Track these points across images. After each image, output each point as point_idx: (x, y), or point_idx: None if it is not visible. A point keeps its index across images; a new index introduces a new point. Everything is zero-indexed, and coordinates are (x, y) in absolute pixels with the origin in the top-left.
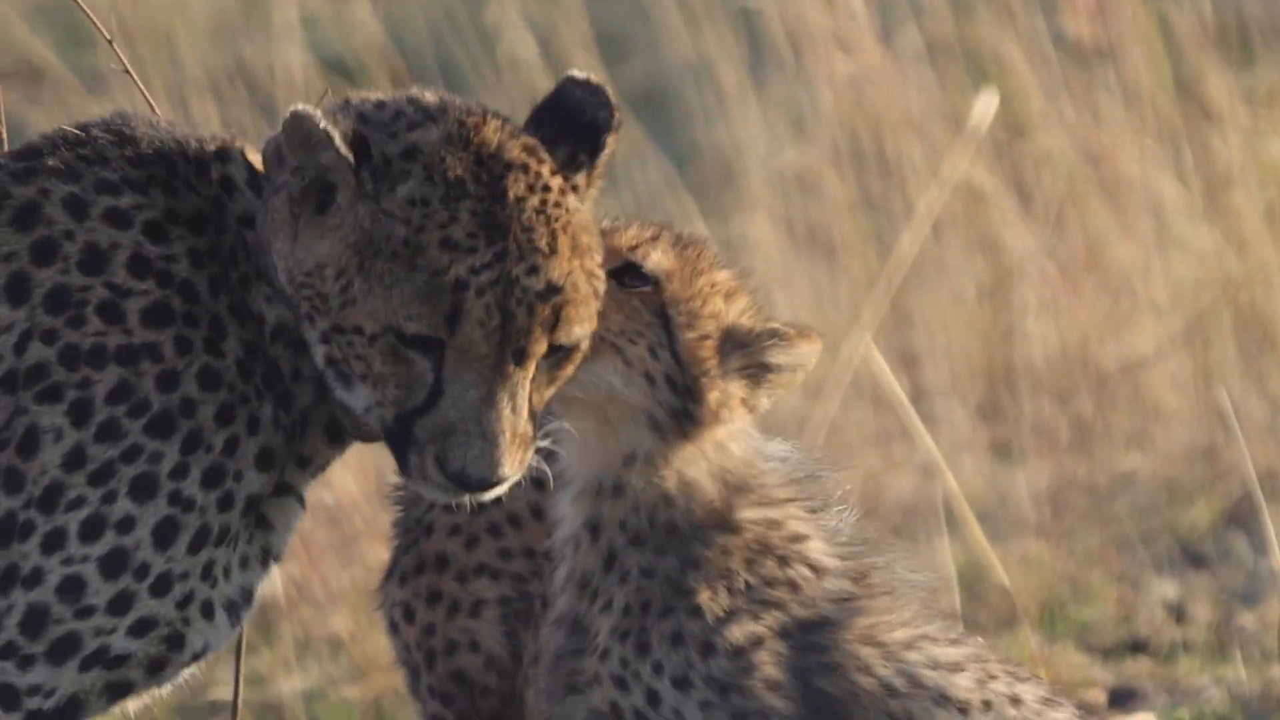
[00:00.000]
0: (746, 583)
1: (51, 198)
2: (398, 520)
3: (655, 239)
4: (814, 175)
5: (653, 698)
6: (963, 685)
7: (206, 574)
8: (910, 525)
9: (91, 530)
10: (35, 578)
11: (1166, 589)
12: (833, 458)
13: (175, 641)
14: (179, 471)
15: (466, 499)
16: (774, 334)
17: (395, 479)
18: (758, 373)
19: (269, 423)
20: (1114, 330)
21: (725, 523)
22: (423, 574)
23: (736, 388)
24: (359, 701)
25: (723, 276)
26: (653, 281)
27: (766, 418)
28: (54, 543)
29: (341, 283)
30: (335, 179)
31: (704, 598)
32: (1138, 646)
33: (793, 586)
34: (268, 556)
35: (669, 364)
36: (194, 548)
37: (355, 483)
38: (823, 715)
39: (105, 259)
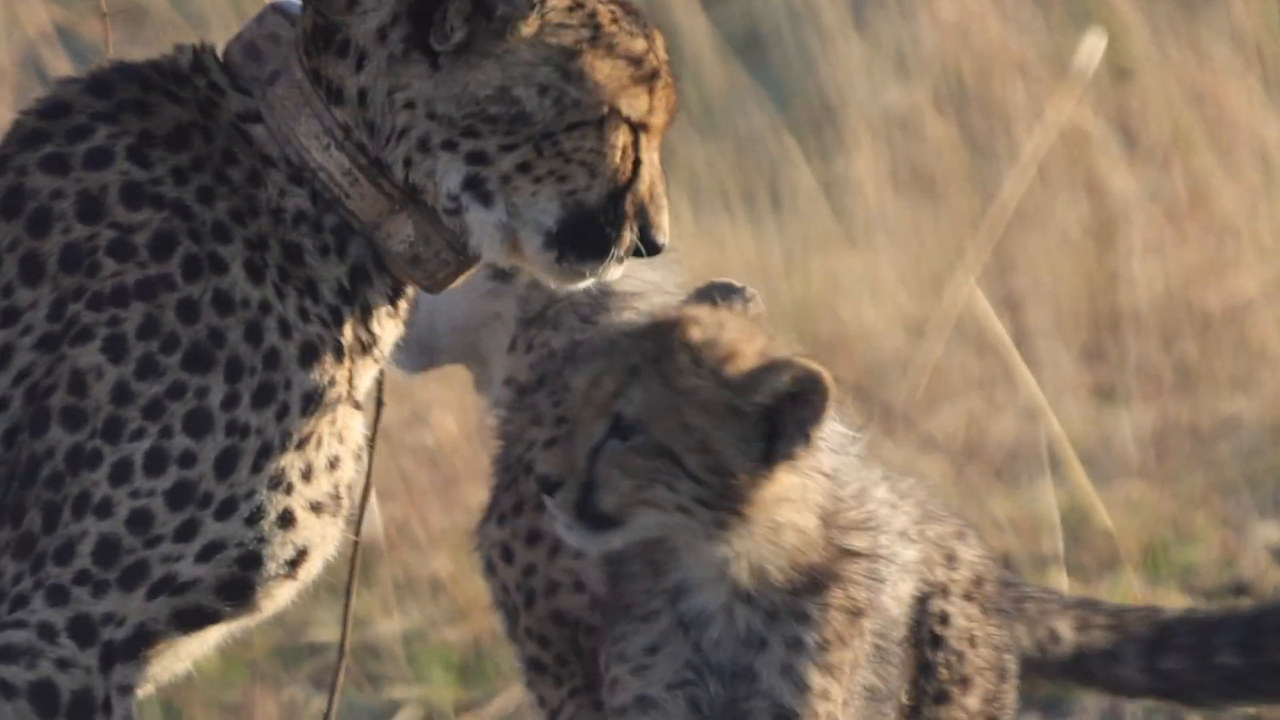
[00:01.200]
0: (868, 599)
1: (29, 170)
2: (497, 458)
3: (635, 372)
4: (917, 116)
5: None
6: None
7: (276, 484)
8: (1013, 468)
9: (156, 464)
10: (106, 508)
11: (1270, 532)
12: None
13: (250, 560)
14: (230, 401)
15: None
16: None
17: (494, 419)
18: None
19: (297, 318)
20: (1218, 273)
21: (848, 552)
22: (521, 514)
23: (779, 470)
24: (458, 643)
25: (719, 372)
26: (637, 429)
27: (871, 360)
28: (122, 474)
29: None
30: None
31: (868, 613)
32: (1240, 590)
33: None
34: (358, 457)
35: (692, 489)
36: (257, 467)
37: (455, 423)
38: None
39: (101, 201)
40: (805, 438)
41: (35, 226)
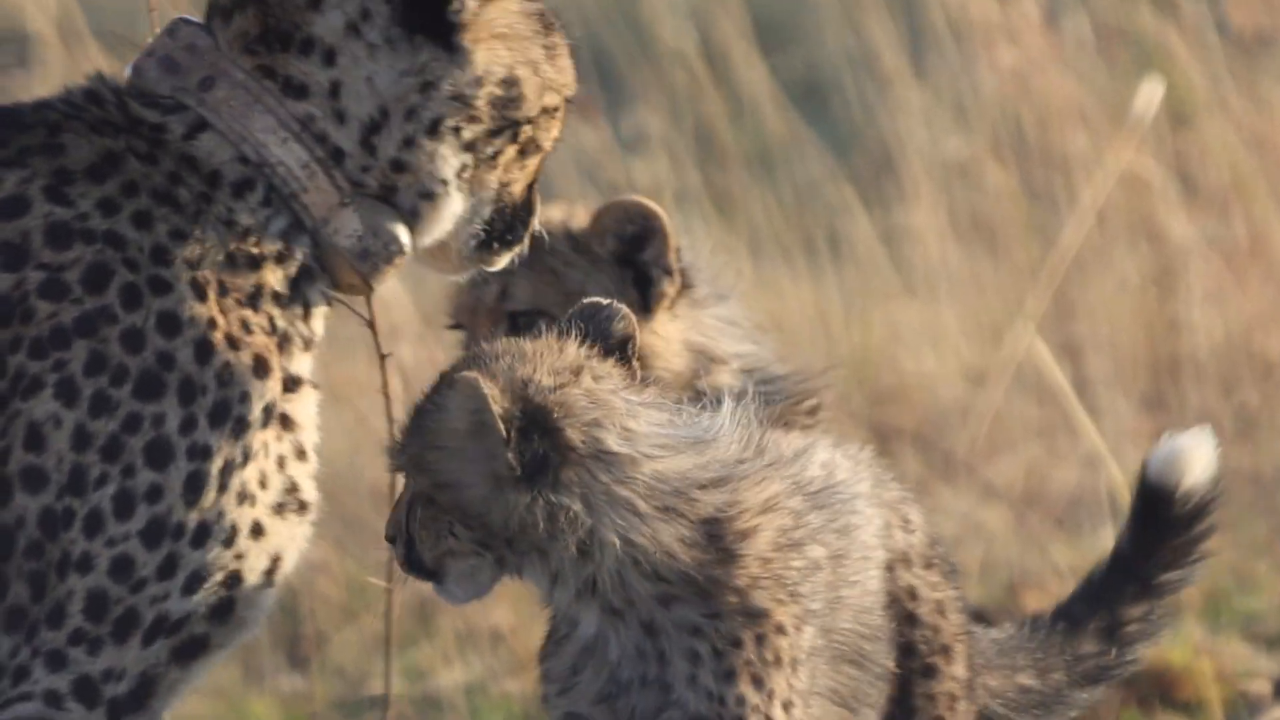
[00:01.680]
0: (795, 582)
1: None
2: None
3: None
4: (976, 164)
5: None
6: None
7: (241, 499)
8: (1074, 516)
9: (124, 507)
10: (86, 563)
11: None
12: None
13: (234, 579)
14: (187, 425)
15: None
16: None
17: None
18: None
19: (242, 331)
20: (1279, 320)
21: (732, 540)
22: None
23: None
24: (519, 695)
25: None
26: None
27: (932, 409)
28: (94, 525)
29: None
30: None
31: (780, 613)
32: None
33: (815, 566)
34: (303, 452)
35: (467, 534)
36: (223, 486)
37: None
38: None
39: (23, 248)
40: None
41: None
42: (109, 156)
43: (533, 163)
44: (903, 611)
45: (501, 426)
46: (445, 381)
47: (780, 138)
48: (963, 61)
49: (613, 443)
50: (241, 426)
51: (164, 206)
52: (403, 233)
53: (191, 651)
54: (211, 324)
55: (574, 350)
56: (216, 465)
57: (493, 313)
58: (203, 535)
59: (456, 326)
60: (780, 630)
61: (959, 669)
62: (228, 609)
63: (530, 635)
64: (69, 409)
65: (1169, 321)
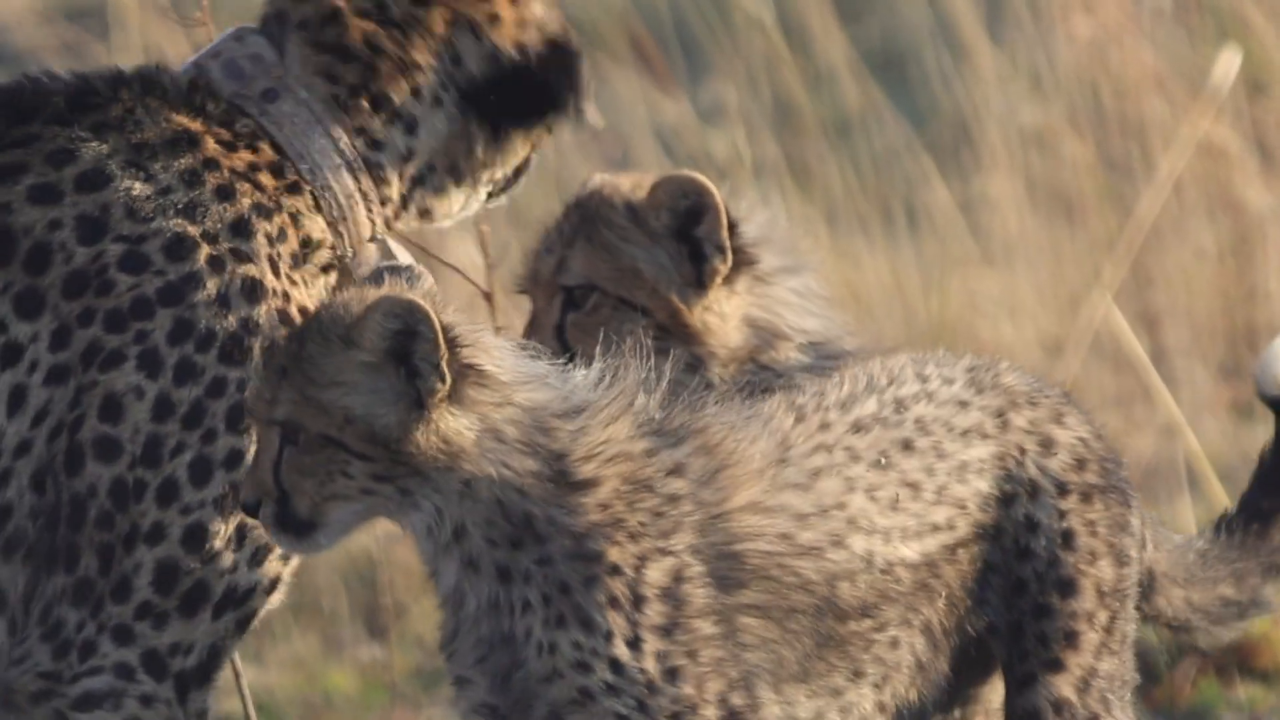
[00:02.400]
0: (640, 522)
1: (14, 208)
2: None
3: (282, 373)
4: (1053, 134)
5: (615, 666)
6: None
7: None
8: (1152, 485)
9: (200, 474)
10: (158, 532)
11: None
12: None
13: (287, 555)
14: None
15: None
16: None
17: None
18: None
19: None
20: None
21: (576, 486)
22: None
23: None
24: None
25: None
26: (297, 429)
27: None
28: (169, 494)
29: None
30: None
31: (615, 554)
32: None
33: (673, 500)
34: None
35: (364, 468)
36: None
37: None
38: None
39: (101, 221)
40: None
41: (32, 263)
42: (188, 134)
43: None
44: (1013, 546)
45: (441, 337)
46: (329, 319)
47: (858, 108)
48: (1040, 31)
49: (492, 367)
50: None
51: (245, 183)
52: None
53: (248, 621)
54: (287, 298)
55: (432, 287)
56: None
57: (548, 286)
58: None
59: (524, 292)
60: (615, 571)
61: (1086, 603)
62: (276, 583)
63: None
64: (152, 379)
65: (1246, 290)
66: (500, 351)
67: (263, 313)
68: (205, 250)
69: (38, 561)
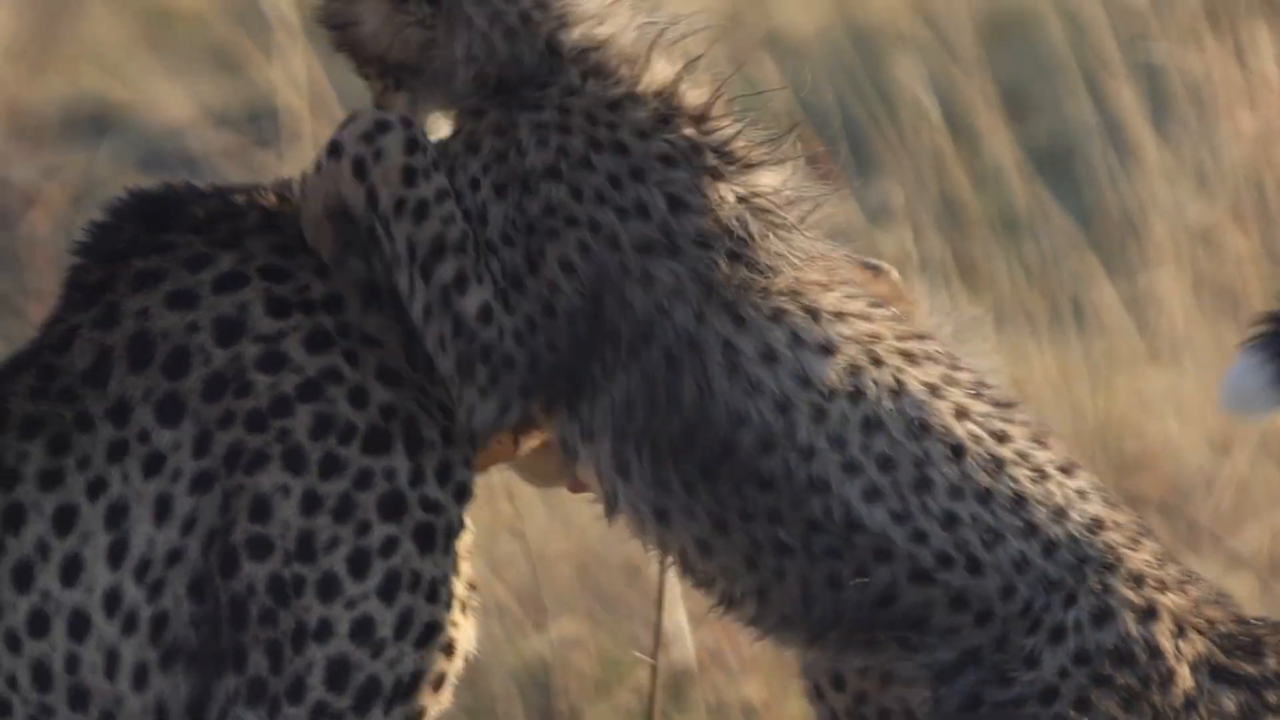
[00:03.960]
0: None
1: (152, 313)
2: None
3: None
4: (1219, 230)
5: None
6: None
7: (456, 565)
8: None
9: (359, 566)
10: (326, 629)
11: None
12: None
13: (449, 648)
14: (416, 478)
15: None
16: None
17: None
18: None
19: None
20: None
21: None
22: None
23: None
24: None
25: None
26: None
27: (1176, 477)
28: (330, 589)
29: None
30: None
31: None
32: None
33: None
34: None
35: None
36: (447, 547)
37: None
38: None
39: (239, 321)
40: None
41: (172, 369)
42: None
43: None
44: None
45: None
46: None
47: (1025, 205)
48: (1205, 127)
49: None
50: (462, 492)
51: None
52: None
53: None
54: (422, 390)
55: None
56: (442, 523)
57: None
58: (433, 590)
59: None
60: None
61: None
62: (442, 680)
63: (784, 709)
64: (297, 477)
65: None
66: None
67: (401, 398)
68: (341, 344)
69: (205, 668)
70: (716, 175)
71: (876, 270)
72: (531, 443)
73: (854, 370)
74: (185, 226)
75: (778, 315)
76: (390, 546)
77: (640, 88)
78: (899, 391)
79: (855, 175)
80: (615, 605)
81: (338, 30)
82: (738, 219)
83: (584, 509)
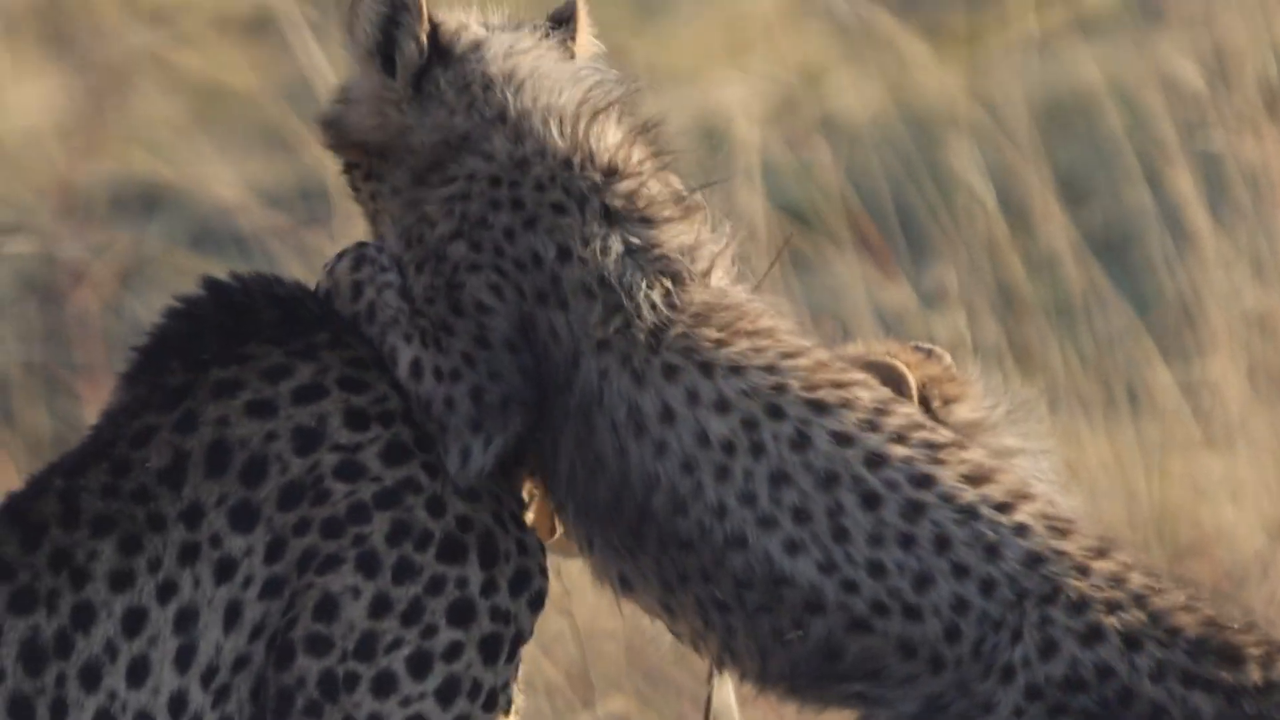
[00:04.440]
0: None
1: (231, 421)
2: None
3: None
4: (1275, 317)
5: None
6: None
7: (514, 677)
8: None
9: (420, 666)
10: None
11: None
12: None
13: None
14: (489, 588)
15: None
16: None
17: None
18: None
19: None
20: None
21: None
22: None
23: None
24: None
25: None
26: None
27: (1232, 564)
28: (385, 686)
29: None
30: None
31: None
32: None
33: None
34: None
35: None
36: (510, 655)
37: None
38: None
39: (317, 432)
40: None
41: (248, 476)
42: None
43: None
44: None
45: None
46: None
47: (1080, 291)
48: (1261, 215)
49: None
50: (537, 601)
51: None
52: None
53: None
54: (499, 500)
55: None
56: (510, 633)
57: None
58: (492, 701)
59: None
60: None
61: None
62: None
63: None
64: (370, 580)
65: None
66: None
67: (478, 510)
68: (420, 456)
69: None
70: (611, 221)
71: (929, 354)
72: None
73: (750, 425)
74: (262, 336)
75: (671, 372)
76: (454, 652)
77: (556, 144)
78: (803, 444)
79: (910, 260)
80: (664, 683)
81: (331, 127)
82: (617, 270)
83: None
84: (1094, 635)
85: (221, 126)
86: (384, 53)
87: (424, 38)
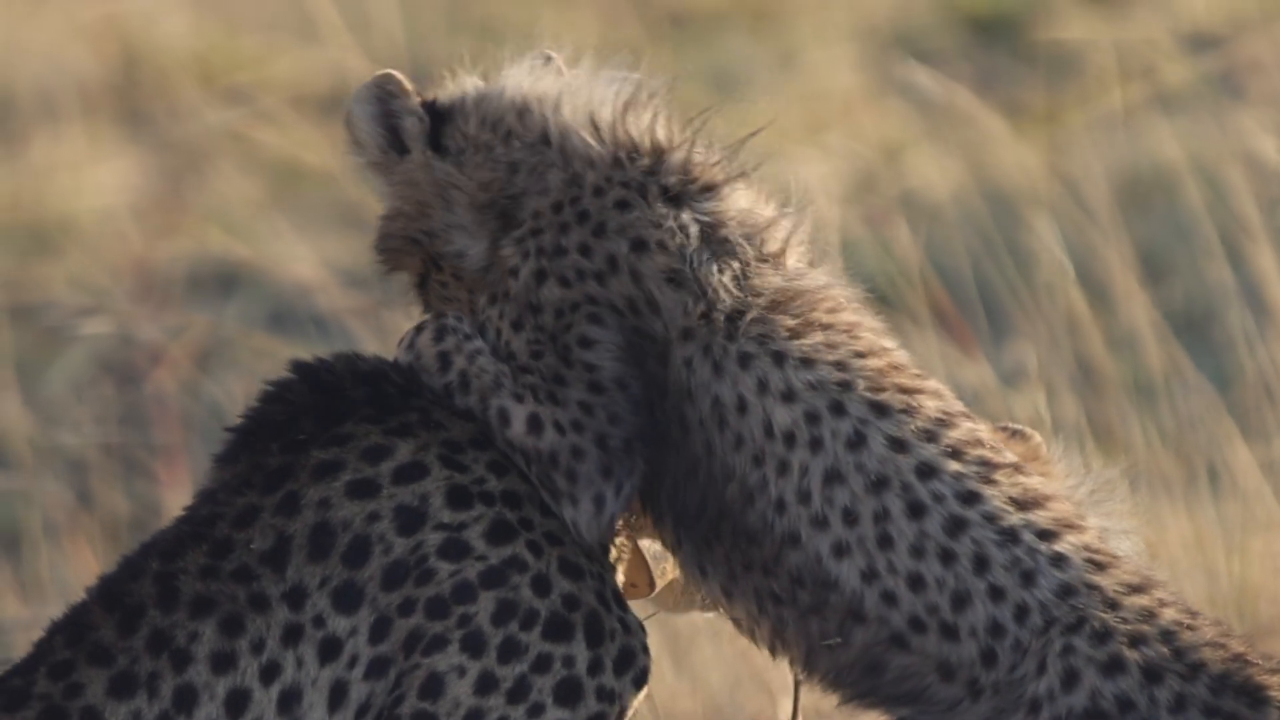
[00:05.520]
0: None
1: (332, 502)
2: None
3: None
4: None
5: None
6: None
7: None
8: None
9: None
10: None
11: None
12: None
13: None
14: (595, 667)
15: None
16: None
17: None
18: None
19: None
20: None
21: None
22: None
23: None
24: None
25: None
26: None
27: None
28: None
29: None
30: None
31: None
32: None
33: None
34: None
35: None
36: None
37: None
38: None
39: (420, 511)
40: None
41: (352, 558)
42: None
43: None
44: None
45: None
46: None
47: (1161, 369)
48: None
49: None
50: (641, 678)
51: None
52: None
53: None
54: (600, 577)
55: None
56: (615, 711)
57: None
58: None
59: None
60: None
61: None
62: None
63: None
64: (475, 659)
65: None
66: None
67: (584, 589)
68: (524, 535)
69: None
70: (676, 202)
71: (1014, 434)
72: (664, 580)
73: (813, 419)
74: (356, 415)
75: (746, 360)
76: None
77: (599, 152)
78: (858, 444)
79: (989, 338)
80: None
81: (382, 245)
82: (696, 253)
83: (710, 666)
84: (1115, 666)
85: (299, 205)
86: (396, 147)
87: (418, 106)
